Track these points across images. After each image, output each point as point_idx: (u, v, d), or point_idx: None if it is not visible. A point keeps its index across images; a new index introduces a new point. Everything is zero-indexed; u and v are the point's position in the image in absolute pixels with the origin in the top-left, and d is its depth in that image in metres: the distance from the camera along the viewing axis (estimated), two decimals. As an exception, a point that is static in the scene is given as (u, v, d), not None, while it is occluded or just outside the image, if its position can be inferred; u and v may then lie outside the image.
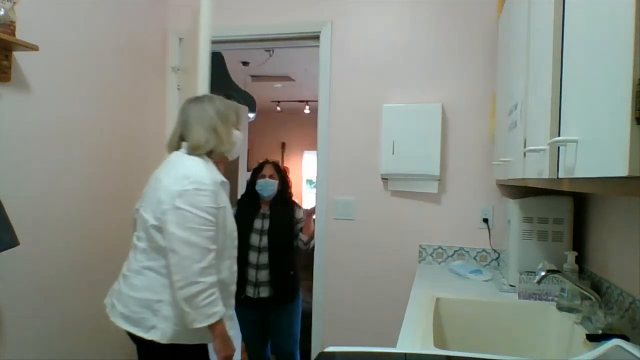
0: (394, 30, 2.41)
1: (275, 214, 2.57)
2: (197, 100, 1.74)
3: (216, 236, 1.53)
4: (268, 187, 2.57)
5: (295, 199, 2.77)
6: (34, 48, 1.74)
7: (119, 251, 1.87)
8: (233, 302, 1.71)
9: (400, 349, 1.19)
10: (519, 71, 1.42)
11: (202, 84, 2.04)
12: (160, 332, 1.50)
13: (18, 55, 1.77)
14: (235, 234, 1.73)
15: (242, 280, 2.57)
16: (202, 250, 1.46)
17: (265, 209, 2.61)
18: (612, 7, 0.66)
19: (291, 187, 2.77)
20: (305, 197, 7.78)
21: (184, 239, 1.45)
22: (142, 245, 1.58)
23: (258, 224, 2.57)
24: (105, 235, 2.26)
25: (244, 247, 2.57)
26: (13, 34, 1.66)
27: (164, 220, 1.49)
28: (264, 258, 2.52)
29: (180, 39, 2.69)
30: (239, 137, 1.76)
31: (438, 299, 1.62)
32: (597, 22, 0.73)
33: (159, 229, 1.52)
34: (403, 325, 1.38)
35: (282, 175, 2.69)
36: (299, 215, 2.61)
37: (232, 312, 1.70)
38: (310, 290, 2.61)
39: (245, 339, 2.77)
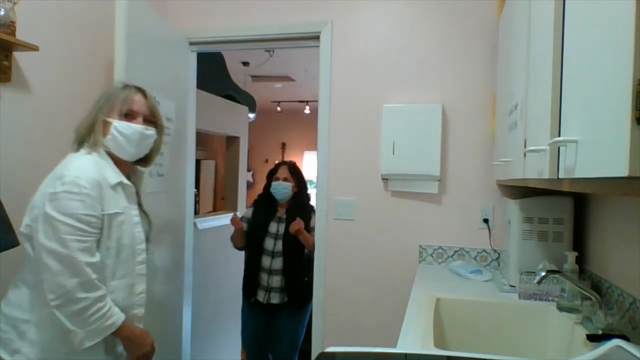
0: (394, 30, 2.40)
1: (291, 219, 2.55)
2: None
3: (95, 247, 1.32)
4: (281, 189, 2.57)
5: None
6: (34, 48, 1.74)
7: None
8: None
9: (400, 349, 1.19)
10: (519, 71, 1.42)
11: (118, 76, 1.95)
12: (24, 358, 1.31)
13: (18, 55, 1.77)
14: (142, 246, 1.46)
15: (254, 283, 2.57)
16: (76, 263, 1.26)
17: (281, 212, 2.60)
18: (611, 7, 0.66)
19: (307, 188, 2.75)
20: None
21: (51, 250, 1.25)
22: (25, 254, 1.40)
23: (273, 227, 2.56)
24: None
25: (257, 250, 2.56)
26: (13, 34, 1.66)
27: (35, 228, 1.30)
28: (277, 263, 2.51)
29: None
30: (122, 127, 1.45)
31: (438, 299, 1.62)
32: (597, 22, 0.73)
33: (28, 237, 1.35)
34: (403, 325, 1.38)
35: (298, 177, 2.67)
36: (314, 222, 2.57)
37: None
38: (310, 290, 2.61)
39: (245, 338, 2.76)
